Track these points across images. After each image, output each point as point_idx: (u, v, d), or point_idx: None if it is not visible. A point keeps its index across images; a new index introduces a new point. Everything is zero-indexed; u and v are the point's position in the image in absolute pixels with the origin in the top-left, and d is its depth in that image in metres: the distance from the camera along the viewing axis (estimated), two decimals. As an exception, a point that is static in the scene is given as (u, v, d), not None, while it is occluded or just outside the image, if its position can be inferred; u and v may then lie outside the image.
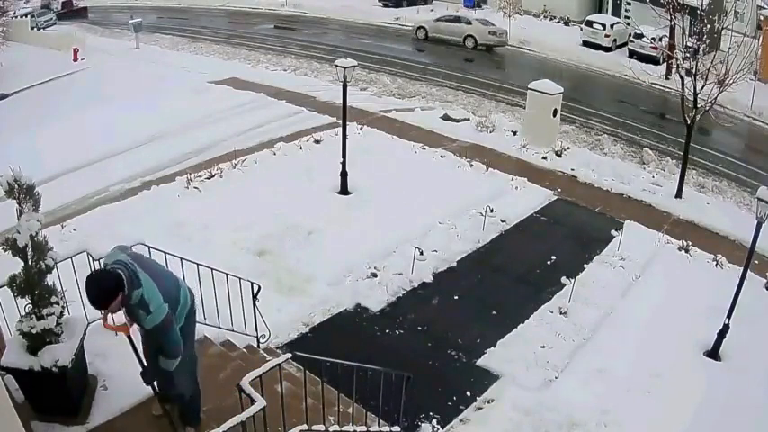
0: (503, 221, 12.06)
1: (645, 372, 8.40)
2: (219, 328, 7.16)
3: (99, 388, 5.47)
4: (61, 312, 5.04)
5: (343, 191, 12.61)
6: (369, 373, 5.90)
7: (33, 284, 4.95)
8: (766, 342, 9.11)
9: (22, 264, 4.97)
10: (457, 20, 28.10)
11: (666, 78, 21.28)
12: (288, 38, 29.72)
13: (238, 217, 11.20)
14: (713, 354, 8.97)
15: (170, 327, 4.35)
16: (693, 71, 13.46)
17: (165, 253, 6.37)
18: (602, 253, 11.43)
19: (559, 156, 15.51)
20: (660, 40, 22.45)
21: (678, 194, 14.19)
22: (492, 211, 11.86)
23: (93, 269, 5.93)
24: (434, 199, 12.35)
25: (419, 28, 28.76)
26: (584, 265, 10.99)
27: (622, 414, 7.67)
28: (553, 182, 14.23)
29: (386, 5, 35.39)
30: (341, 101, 12.06)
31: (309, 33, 30.93)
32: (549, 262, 11.10)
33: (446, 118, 17.91)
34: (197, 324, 6.91)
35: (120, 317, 4.50)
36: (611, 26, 28.01)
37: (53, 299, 5.01)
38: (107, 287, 4.10)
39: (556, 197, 13.53)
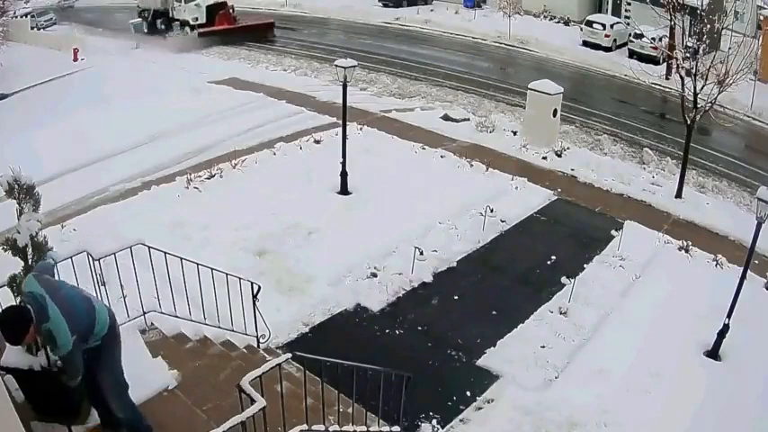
0: (503, 221, 12.06)
1: (645, 372, 8.39)
2: (219, 328, 7.16)
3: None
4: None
5: (343, 191, 12.62)
6: (369, 373, 5.90)
7: (33, 284, 4.94)
8: (766, 342, 9.11)
9: (22, 264, 4.97)
10: None
11: (666, 78, 21.24)
12: (288, 38, 29.69)
13: (238, 217, 11.21)
14: (713, 354, 8.97)
15: (75, 357, 4.37)
16: (693, 71, 13.46)
17: (165, 253, 6.37)
18: (602, 253, 11.43)
19: (559, 156, 15.51)
20: (660, 40, 22.41)
21: (678, 194, 14.18)
22: (492, 211, 11.86)
23: (93, 270, 5.94)
24: (434, 199, 12.36)
25: None
26: (585, 265, 10.99)
27: (622, 414, 7.67)
28: (553, 182, 14.23)
29: (386, 5, 35.41)
30: (341, 101, 12.06)
31: (309, 33, 30.92)
32: (549, 262, 11.10)
33: (446, 118, 17.92)
34: (198, 324, 7.00)
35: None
36: (611, 26, 27.98)
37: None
38: (18, 323, 4.15)
39: (556, 197, 13.53)
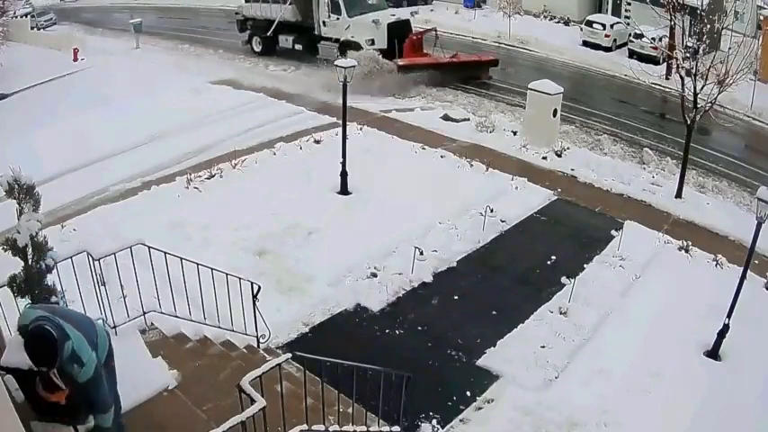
0: (503, 221, 12.06)
1: (645, 372, 8.40)
2: (219, 328, 7.17)
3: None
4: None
5: (343, 191, 12.62)
6: (369, 373, 5.90)
7: (33, 284, 4.95)
8: (766, 342, 9.10)
9: (22, 264, 4.98)
10: None
11: (666, 78, 21.20)
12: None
13: (238, 217, 11.22)
14: (713, 354, 8.97)
15: (101, 377, 4.09)
16: (693, 71, 13.45)
17: (165, 253, 6.37)
18: (602, 253, 11.43)
19: (559, 156, 15.52)
20: (660, 40, 22.40)
21: (678, 194, 14.18)
22: (492, 211, 11.86)
23: (93, 270, 5.94)
24: (434, 199, 12.36)
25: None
26: (585, 265, 10.99)
27: (622, 414, 7.67)
28: (553, 182, 14.23)
29: (386, 6, 35.26)
30: (341, 101, 12.07)
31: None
32: (549, 262, 11.10)
33: (446, 118, 17.92)
34: (198, 324, 7.01)
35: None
36: (611, 26, 27.97)
37: (53, 299, 5.02)
38: (51, 342, 3.80)
39: (556, 197, 13.53)
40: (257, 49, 24.14)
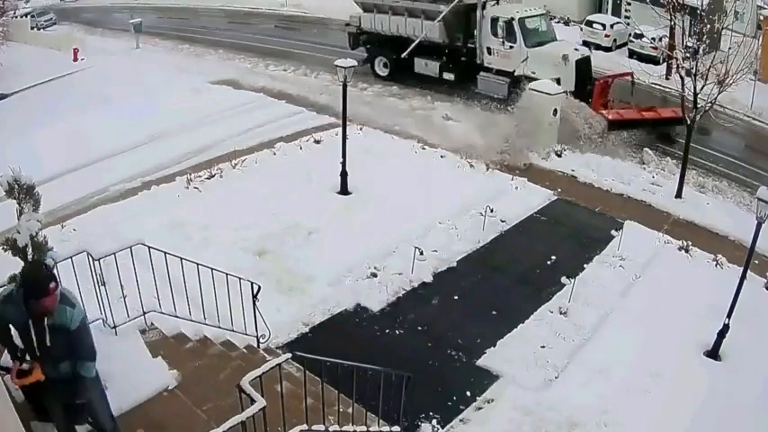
0: (503, 221, 12.07)
1: (645, 372, 8.40)
2: (219, 328, 7.17)
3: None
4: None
5: (343, 191, 12.63)
6: (369, 373, 5.90)
7: (33, 284, 4.93)
8: (766, 342, 9.11)
9: (22, 264, 4.97)
10: None
11: (666, 78, 21.17)
12: (288, 38, 29.67)
13: (238, 217, 11.23)
14: (713, 354, 8.97)
15: (88, 327, 4.34)
16: (693, 71, 13.46)
17: (165, 253, 6.37)
18: (602, 253, 11.44)
19: (559, 156, 15.52)
20: (660, 40, 22.39)
21: (678, 194, 14.19)
22: (492, 211, 11.87)
23: (93, 270, 5.94)
24: (434, 199, 12.37)
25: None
26: (585, 265, 11.00)
27: (622, 414, 7.68)
28: (553, 182, 14.24)
29: (387, 6, 34.97)
30: (341, 101, 12.07)
31: (309, 33, 30.88)
32: (549, 262, 11.10)
33: (446, 118, 17.90)
34: (198, 324, 7.00)
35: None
36: (611, 26, 27.95)
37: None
38: (45, 265, 4.08)
39: (556, 197, 13.54)
40: (383, 73, 19.88)
